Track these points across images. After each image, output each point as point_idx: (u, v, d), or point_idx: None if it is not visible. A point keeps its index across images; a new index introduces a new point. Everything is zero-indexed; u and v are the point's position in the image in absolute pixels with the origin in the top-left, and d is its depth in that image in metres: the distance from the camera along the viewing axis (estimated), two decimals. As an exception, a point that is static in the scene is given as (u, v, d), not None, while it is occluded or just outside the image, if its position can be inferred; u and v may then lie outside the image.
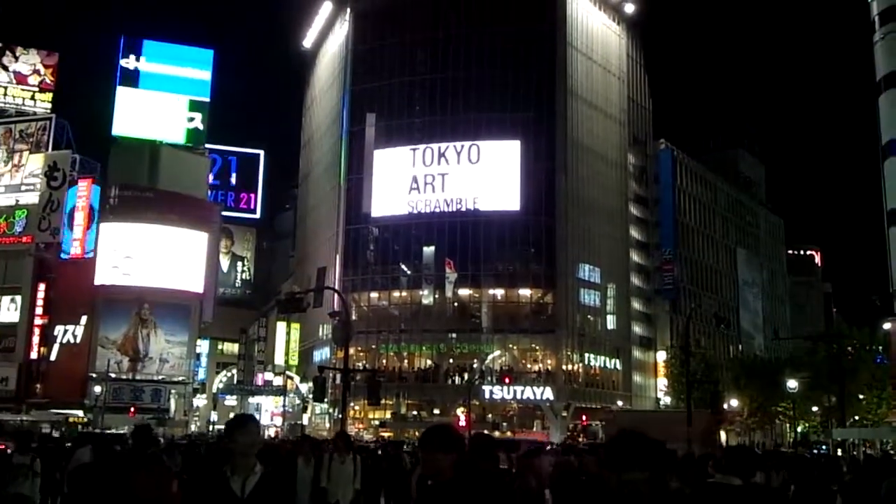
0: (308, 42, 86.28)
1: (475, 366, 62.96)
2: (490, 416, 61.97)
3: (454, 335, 64.93)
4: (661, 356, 74.39)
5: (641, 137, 79.91)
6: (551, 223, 64.65)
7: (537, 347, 65.39)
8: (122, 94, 69.91)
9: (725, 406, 67.81)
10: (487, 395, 60.73)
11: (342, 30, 76.72)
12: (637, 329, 74.55)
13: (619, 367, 69.99)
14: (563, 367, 63.63)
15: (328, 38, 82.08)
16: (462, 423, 50.25)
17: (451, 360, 64.90)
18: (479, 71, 66.25)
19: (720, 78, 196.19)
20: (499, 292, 66.00)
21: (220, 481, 4.80)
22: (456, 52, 67.25)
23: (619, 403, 66.82)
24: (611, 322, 70.22)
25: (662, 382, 72.94)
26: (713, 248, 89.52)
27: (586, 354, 66.30)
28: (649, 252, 77.90)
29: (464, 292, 65.57)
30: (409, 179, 67.57)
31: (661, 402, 71.95)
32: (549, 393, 60.75)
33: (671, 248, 77.05)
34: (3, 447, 8.58)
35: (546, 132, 65.81)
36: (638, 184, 78.23)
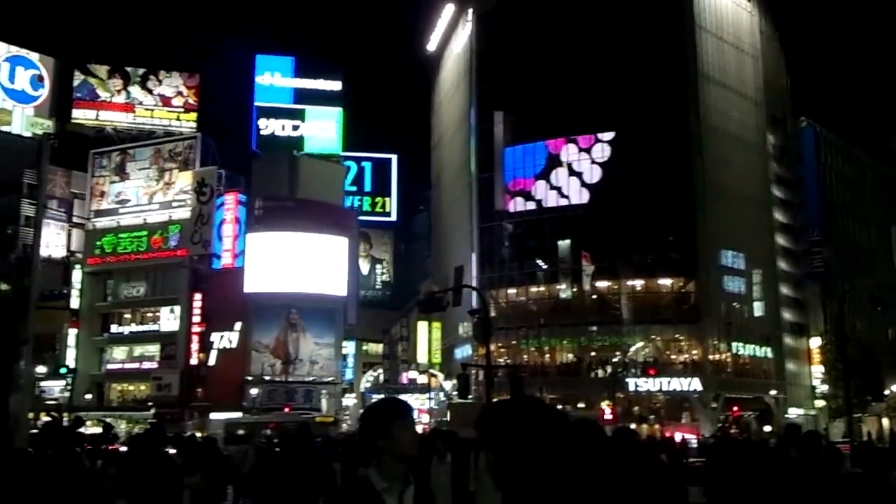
0: (432, 45, 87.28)
1: (618, 358, 62.13)
2: (636, 408, 60.88)
3: (595, 328, 64.19)
4: (815, 342, 71.20)
5: (780, 116, 76.72)
6: (689, 209, 62.90)
7: (681, 338, 63.84)
8: (260, 109, 73.19)
9: (886, 392, 64.59)
10: (632, 388, 59.71)
11: (465, 30, 77.26)
12: (787, 315, 71.60)
13: (769, 355, 67.40)
14: (710, 356, 61.86)
15: (452, 40, 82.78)
16: (608, 416, 49.79)
17: (592, 353, 64.20)
18: (606, 60, 65.08)
19: (861, 48, 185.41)
20: (638, 283, 64.75)
21: (372, 498, 3.42)
22: (581, 43, 66.31)
23: (773, 393, 64.42)
24: (758, 309, 67.67)
25: (818, 370, 69.82)
26: (865, 227, 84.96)
27: (734, 343, 64.15)
28: (796, 234, 74.68)
29: (602, 284, 64.73)
30: (541, 173, 67.41)
31: (818, 391, 68.98)
32: (696, 384, 59.14)
33: (819, 229, 73.65)
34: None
35: (679, 117, 64.15)
36: (779, 164, 75.10)
